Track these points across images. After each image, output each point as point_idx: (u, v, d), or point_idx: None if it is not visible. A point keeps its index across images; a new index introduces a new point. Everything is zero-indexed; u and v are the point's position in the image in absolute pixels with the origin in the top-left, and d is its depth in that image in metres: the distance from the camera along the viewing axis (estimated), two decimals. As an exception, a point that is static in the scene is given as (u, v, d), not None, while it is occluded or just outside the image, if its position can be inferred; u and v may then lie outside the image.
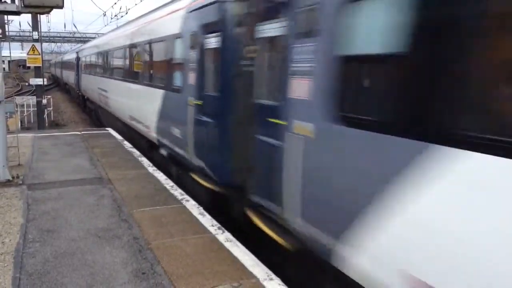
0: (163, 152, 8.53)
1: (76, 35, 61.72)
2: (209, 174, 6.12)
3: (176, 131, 7.25)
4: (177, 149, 7.37)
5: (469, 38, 2.47)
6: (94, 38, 38.41)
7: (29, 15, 18.85)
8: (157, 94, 8.61)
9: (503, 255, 2.22)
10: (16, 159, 8.57)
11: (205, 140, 6.13)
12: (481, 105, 2.45)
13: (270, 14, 4.62)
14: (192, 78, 6.54)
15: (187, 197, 6.54)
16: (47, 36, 57.89)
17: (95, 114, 20.93)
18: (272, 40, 4.65)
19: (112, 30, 19.17)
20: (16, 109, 13.04)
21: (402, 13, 2.81)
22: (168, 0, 9.77)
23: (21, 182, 7.15)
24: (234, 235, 5.08)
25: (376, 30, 3.11)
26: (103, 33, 27.96)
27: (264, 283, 3.98)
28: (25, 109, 22.90)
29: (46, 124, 20.43)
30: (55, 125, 23.37)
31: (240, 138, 5.41)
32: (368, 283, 3.20)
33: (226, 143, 5.66)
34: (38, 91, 19.07)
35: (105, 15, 37.26)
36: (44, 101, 19.29)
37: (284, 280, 4.09)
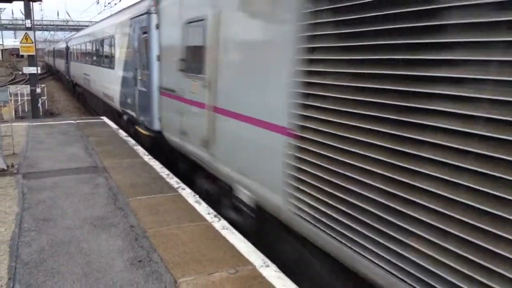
0: None
1: (70, 23, 61.07)
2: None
3: None
4: None
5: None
6: (87, 26, 34.19)
7: (22, 3, 18.60)
8: None
9: None
10: (11, 148, 8.52)
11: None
12: None
13: None
14: None
15: (183, 185, 6.53)
16: (40, 25, 57.28)
17: None
18: None
19: None
20: (10, 98, 12.94)
21: None
22: None
23: (16, 171, 7.12)
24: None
25: None
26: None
27: (260, 270, 3.99)
28: (19, 98, 22.73)
29: (41, 113, 20.30)
30: (50, 114, 23.23)
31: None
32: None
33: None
34: (32, 80, 18.90)
35: (98, 2, 36.88)
36: (38, 90, 19.14)
37: (280, 267, 4.10)
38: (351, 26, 3.14)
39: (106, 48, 14.20)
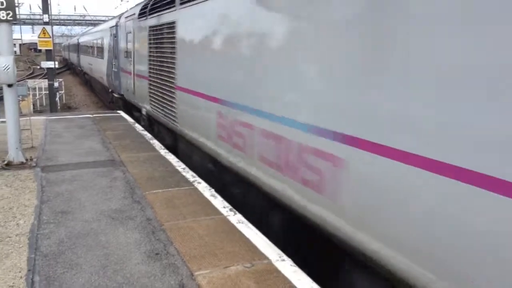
0: None
1: (86, 17, 61.65)
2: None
3: None
4: None
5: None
6: (104, 21, 35.99)
7: (39, -2, 18.80)
8: None
9: None
10: (29, 141, 8.65)
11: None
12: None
13: None
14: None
15: (198, 179, 6.56)
16: (57, 19, 57.92)
17: None
18: None
19: None
20: (28, 92, 13.12)
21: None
22: None
23: (34, 165, 7.23)
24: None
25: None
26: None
27: (276, 264, 3.99)
28: (37, 92, 23.06)
29: (58, 107, 20.58)
30: (67, 108, 23.55)
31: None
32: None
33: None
34: (50, 74, 19.17)
35: (114, -3, 37.09)
36: (56, 84, 19.42)
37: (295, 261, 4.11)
38: (156, 47, 9.44)
39: (100, 45, 20.20)
